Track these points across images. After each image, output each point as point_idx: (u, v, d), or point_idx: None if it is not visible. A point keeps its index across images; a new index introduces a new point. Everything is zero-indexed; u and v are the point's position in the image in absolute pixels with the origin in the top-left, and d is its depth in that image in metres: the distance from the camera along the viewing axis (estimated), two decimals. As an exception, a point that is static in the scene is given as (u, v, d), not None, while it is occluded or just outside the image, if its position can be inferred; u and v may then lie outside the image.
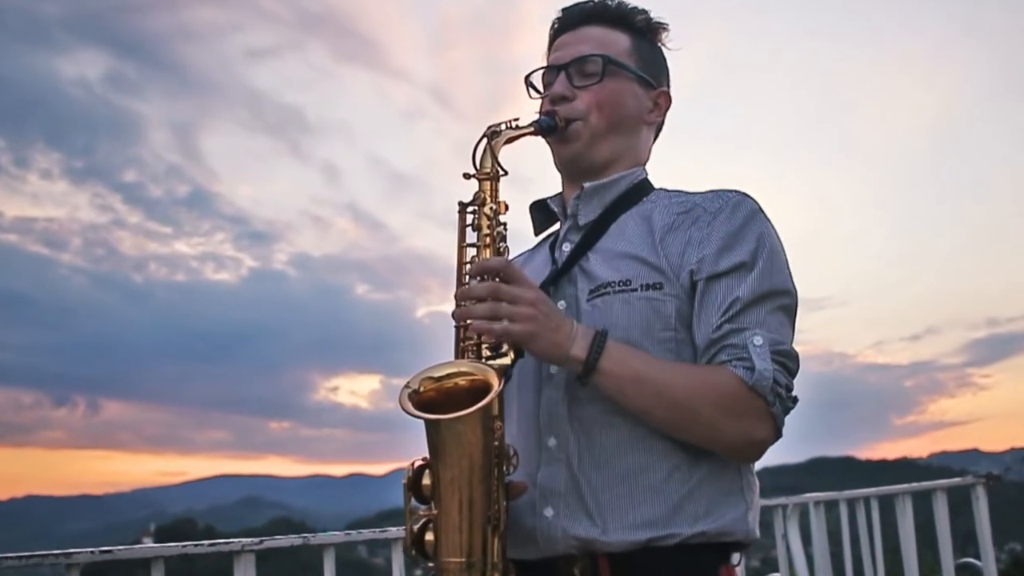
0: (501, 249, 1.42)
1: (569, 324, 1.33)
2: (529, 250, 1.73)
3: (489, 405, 1.27)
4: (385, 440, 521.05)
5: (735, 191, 1.47)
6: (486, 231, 1.41)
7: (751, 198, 1.46)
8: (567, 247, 1.53)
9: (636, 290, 1.39)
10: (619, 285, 1.40)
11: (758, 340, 1.32)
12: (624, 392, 1.32)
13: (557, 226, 1.64)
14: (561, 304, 1.46)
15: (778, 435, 1.36)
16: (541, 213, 1.65)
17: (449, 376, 1.33)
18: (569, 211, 1.57)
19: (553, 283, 1.49)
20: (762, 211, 1.45)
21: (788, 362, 1.36)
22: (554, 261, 1.55)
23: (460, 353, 1.40)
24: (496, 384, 1.26)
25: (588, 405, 1.39)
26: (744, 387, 1.30)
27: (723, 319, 1.35)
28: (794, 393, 1.36)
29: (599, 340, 1.32)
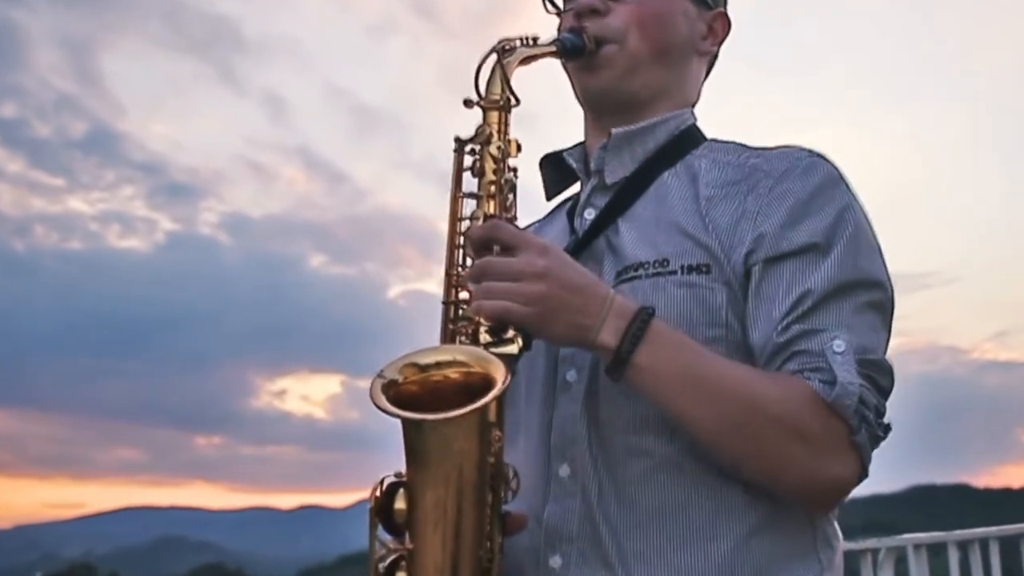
0: (508, 202, 1.30)
1: (599, 298, 1.20)
2: (539, 220, 1.61)
3: (489, 406, 1.16)
4: (348, 462, 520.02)
5: (806, 150, 1.35)
6: (490, 177, 1.29)
7: (828, 160, 1.34)
8: (590, 213, 1.42)
9: (676, 273, 1.28)
10: (655, 266, 1.30)
11: (840, 345, 1.21)
12: (664, 393, 1.21)
13: (577, 187, 1.52)
14: None
15: (863, 474, 1.24)
16: (556, 171, 1.52)
17: (438, 365, 1.21)
18: (593, 165, 1.44)
19: (570, 252, 1.35)
20: (843, 178, 1.32)
21: (879, 377, 1.24)
22: (573, 231, 1.43)
23: (449, 337, 1.29)
24: (500, 379, 1.14)
25: (615, 423, 1.28)
26: (821, 406, 1.17)
27: (791, 317, 1.23)
28: (886, 420, 1.25)
29: (639, 323, 1.19)
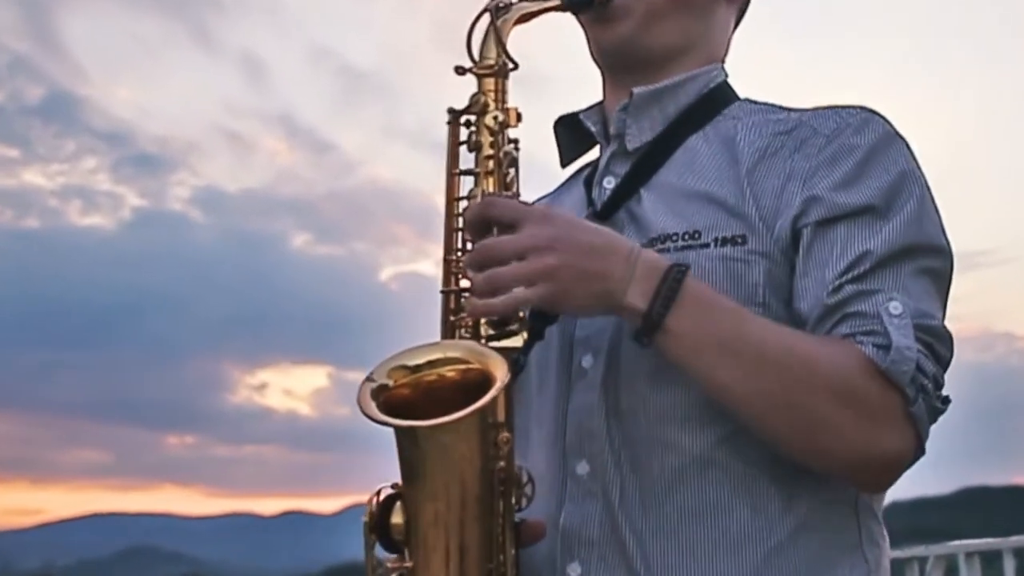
0: (509, 178, 1.24)
1: (622, 256, 1.15)
2: (554, 191, 1.54)
3: (490, 407, 1.12)
4: (336, 463, 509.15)
5: (858, 107, 1.30)
6: (488, 151, 1.24)
7: (882, 116, 1.29)
8: (610, 182, 1.36)
9: (708, 245, 1.23)
10: (684, 238, 1.25)
11: (896, 308, 1.16)
12: (702, 361, 1.16)
13: (596, 153, 1.45)
14: None
15: (920, 450, 1.20)
16: (572, 134, 1.46)
17: (431, 364, 1.16)
18: (613, 129, 1.38)
19: None
20: (899, 135, 1.28)
21: (938, 344, 1.19)
22: (591, 203, 1.37)
23: (449, 330, 1.24)
24: (501, 375, 1.10)
25: (639, 414, 1.23)
26: (875, 372, 1.13)
27: (845, 278, 1.18)
28: (945, 392, 1.20)
29: (671, 282, 1.13)
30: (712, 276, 1.22)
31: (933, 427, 1.22)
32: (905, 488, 1.27)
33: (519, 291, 1.11)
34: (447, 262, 1.24)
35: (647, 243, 1.26)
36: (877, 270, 1.18)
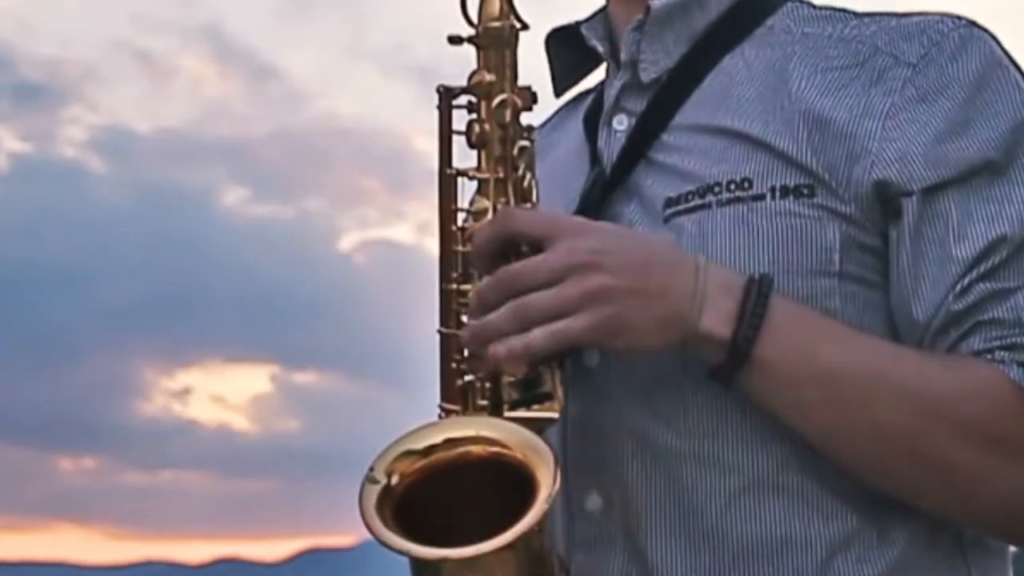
0: (526, 182, 1.01)
1: (687, 268, 0.97)
2: (552, 120, 1.31)
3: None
4: (283, 494, 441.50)
5: (949, 18, 1.07)
6: (497, 151, 1.00)
7: (983, 30, 1.07)
8: (621, 124, 1.13)
9: (763, 197, 1.03)
10: (730, 188, 1.04)
11: None
12: (797, 398, 0.99)
13: (601, 75, 1.22)
14: None
15: None
16: (569, 52, 1.22)
17: (450, 444, 0.96)
18: (624, 54, 1.13)
19: (597, 194, 1.12)
20: (1008, 56, 1.06)
21: None
22: (595, 152, 1.15)
23: (452, 391, 1.02)
24: (549, 477, 0.90)
25: (674, 424, 1.04)
26: (1022, 398, 0.97)
27: (974, 273, 0.99)
28: None
29: (758, 296, 0.96)
30: (773, 239, 1.03)
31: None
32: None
33: (559, 324, 0.90)
34: (446, 294, 1.03)
35: (677, 196, 1.06)
36: (1013, 261, 1.00)
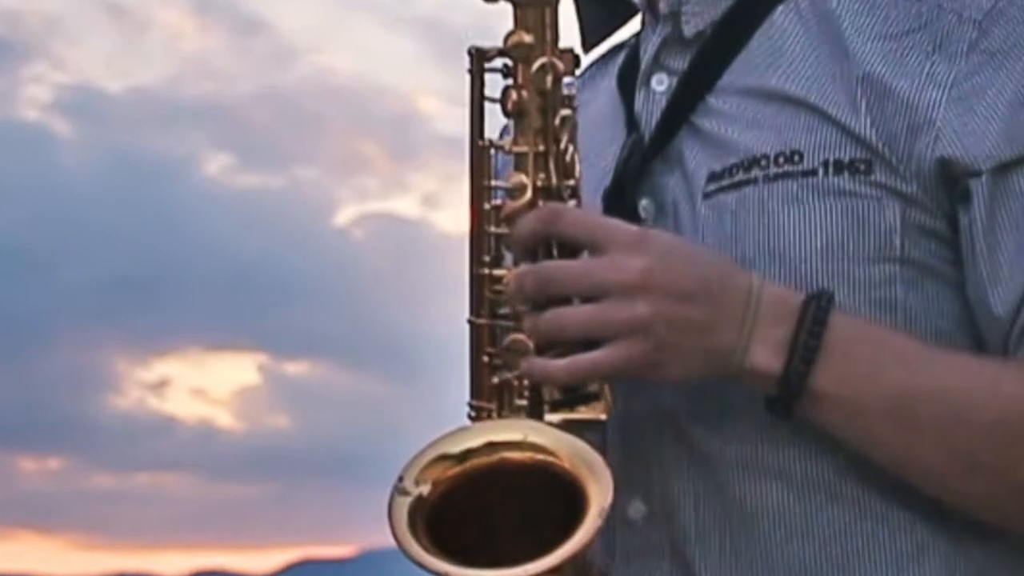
0: (568, 157, 0.95)
1: (738, 297, 0.94)
2: (581, 77, 1.24)
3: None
4: (271, 498, 70.18)
5: None
6: (536, 122, 0.94)
7: None
8: (661, 84, 1.08)
9: (815, 172, 0.99)
10: (778, 162, 1.00)
11: None
12: (866, 431, 0.96)
13: (635, 27, 1.16)
14: (648, 211, 1.05)
15: None
16: (600, 2, 1.17)
17: (491, 449, 0.92)
18: (664, 5, 1.08)
19: (636, 163, 1.07)
20: None
21: None
22: (631, 117, 1.10)
23: (480, 385, 0.98)
24: (602, 489, 0.86)
25: (721, 426, 1.01)
26: None
27: None
28: None
29: (812, 324, 0.92)
30: (827, 220, 0.99)
31: None
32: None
33: (593, 356, 0.89)
34: (477, 279, 0.99)
35: (722, 170, 1.01)
36: None
